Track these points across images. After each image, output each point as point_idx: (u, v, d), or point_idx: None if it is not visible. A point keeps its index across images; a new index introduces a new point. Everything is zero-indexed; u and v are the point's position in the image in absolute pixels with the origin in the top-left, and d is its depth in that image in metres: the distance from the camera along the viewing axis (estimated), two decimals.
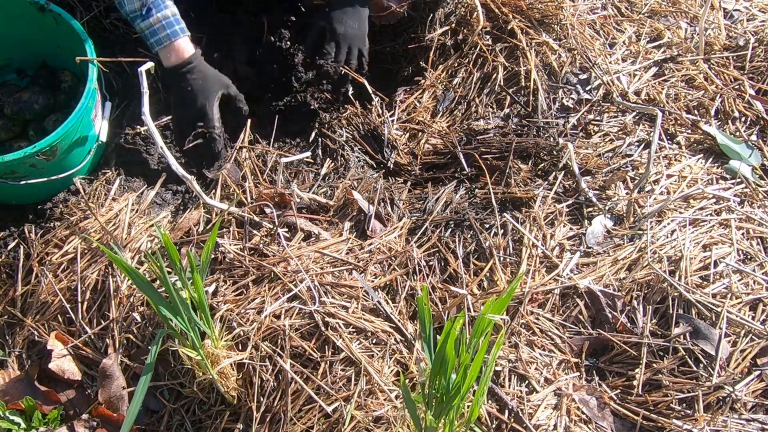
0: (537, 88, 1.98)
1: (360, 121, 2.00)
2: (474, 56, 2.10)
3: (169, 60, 1.84)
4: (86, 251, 1.73)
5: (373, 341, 1.55)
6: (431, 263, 1.71)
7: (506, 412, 1.52)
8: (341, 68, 2.00)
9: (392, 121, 2.02)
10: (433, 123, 2.02)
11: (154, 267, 1.35)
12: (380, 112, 2.04)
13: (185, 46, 1.85)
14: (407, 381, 1.52)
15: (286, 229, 1.73)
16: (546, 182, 1.83)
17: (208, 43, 2.08)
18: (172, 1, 1.83)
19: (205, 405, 1.59)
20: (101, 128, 1.87)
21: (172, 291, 1.33)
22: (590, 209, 1.79)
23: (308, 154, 1.92)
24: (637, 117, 1.94)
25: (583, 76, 2.02)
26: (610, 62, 2.04)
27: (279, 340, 1.53)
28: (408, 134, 2.03)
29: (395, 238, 1.74)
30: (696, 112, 1.97)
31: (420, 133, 2.01)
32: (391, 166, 1.96)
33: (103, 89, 1.87)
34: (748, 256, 1.71)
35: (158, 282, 1.54)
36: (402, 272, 1.67)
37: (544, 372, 1.58)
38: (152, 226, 1.76)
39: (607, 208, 1.78)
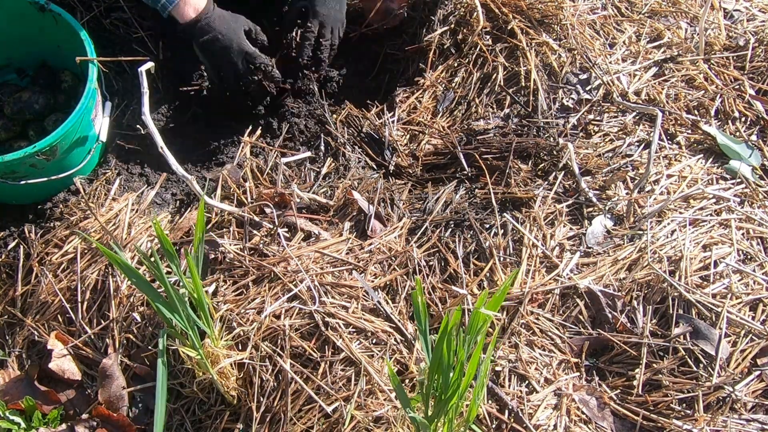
0: (537, 88, 1.98)
1: (359, 123, 2.00)
2: (474, 56, 2.10)
3: (185, 15, 1.81)
4: (86, 251, 1.73)
5: (373, 341, 1.55)
6: (431, 263, 1.71)
7: (506, 412, 1.52)
8: (325, 47, 1.99)
9: (392, 122, 2.02)
10: (433, 123, 2.02)
11: (149, 264, 1.35)
12: (380, 113, 2.04)
13: None
14: (407, 381, 1.52)
15: (286, 229, 1.73)
16: (546, 182, 1.83)
17: None
18: None
19: (205, 405, 1.59)
20: (101, 128, 1.87)
21: (169, 288, 1.33)
22: (590, 209, 1.79)
23: (309, 153, 1.92)
24: (637, 117, 1.94)
25: (583, 76, 2.02)
26: (610, 62, 2.04)
27: (279, 340, 1.53)
28: (408, 135, 2.03)
29: (395, 238, 1.74)
30: (696, 112, 1.97)
31: (420, 134, 2.01)
32: (392, 168, 1.96)
33: (103, 89, 1.87)
34: (748, 256, 1.71)
35: (158, 282, 1.54)
36: (402, 272, 1.67)
37: (544, 372, 1.58)
38: (152, 226, 1.76)
39: (607, 208, 1.78)
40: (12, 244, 1.78)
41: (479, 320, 1.15)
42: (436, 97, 2.09)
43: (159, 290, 1.40)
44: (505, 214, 1.77)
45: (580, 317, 1.64)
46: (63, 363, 1.62)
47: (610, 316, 1.62)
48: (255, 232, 1.72)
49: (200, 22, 1.83)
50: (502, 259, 1.70)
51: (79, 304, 1.67)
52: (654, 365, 1.57)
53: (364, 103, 2.13)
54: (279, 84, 1.96)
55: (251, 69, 1.91)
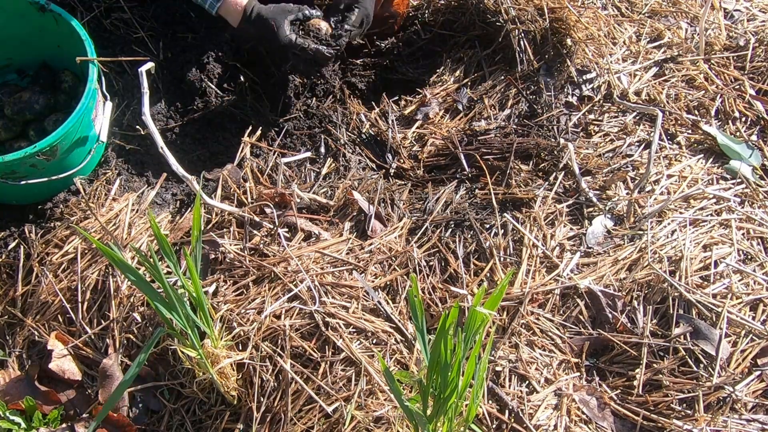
0: (539, 87, 1.98)
1: (361, 123, 2.00)
2: (474, 56, 2.10)
3: (236, 18, 1.90)
4: (86, 251, 1.73)
5: (374, 341, 1.55)
6: (431, 263, 1.71)
7: (506, 412, 1.52)
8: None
9: (394, 122, 2.01)
10: (437, 124, 2.02)
11: (147, 264, 1.35)
12: (384, 113, 2.04)
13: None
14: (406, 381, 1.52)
15: (287, 229, 1.73)
16: (546, 182, 1.83)
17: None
18: None
19: (205, 405, 1.59)
20: (101, 128, 1.87)
21: (167, 288, 1.32)
22: (590, 209, 1.79)
23: (309, 154, 1.92)
24: (637, 117, 1.94)
25: (584, 76, 2.02)
26: (610, 62, 2.03)
27: (279, 340, 1.53)
28: (412, 137, 2.02)
29: (395, 238, 1.74)
30: (696, 112, 1.97)
31: (425, 136, 2.01)
32: (392, 171, 1.95)
33: (104, 89, 1.87)
34: (749, 256, 1.71)
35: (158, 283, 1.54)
36: (402, 272, 1.67)
37: (544, 372, 1.58)
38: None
39: (607, 208, 1.78)
40: (12, 244, 1.78)
41: (477, 319, 1.15)
42: (440, 98, 2.08)
43: (158, 290, 1.40)
44: (505, 214, 1.77)
45: (581, 317, 1.64)
46: (63, 363, 1.62)
47: (610, 316, 1.62)
48: (255, 232, 1.72)
49: (249, 17, 1.90)
50: (502, 259, 1.70)
51: (80, 304, 1.67)
52: (654, 365, 1.57)
53: (366, 102, 2.13)
54: (333, 45, 1.93)
55: (304, 33, 1.93)
